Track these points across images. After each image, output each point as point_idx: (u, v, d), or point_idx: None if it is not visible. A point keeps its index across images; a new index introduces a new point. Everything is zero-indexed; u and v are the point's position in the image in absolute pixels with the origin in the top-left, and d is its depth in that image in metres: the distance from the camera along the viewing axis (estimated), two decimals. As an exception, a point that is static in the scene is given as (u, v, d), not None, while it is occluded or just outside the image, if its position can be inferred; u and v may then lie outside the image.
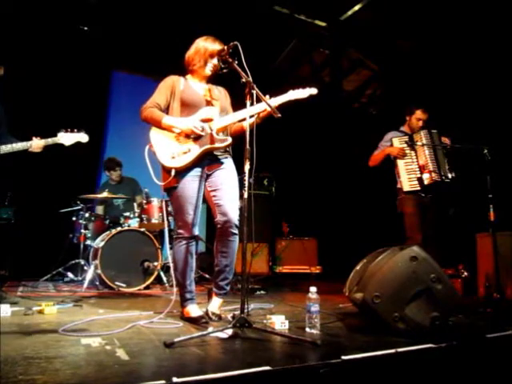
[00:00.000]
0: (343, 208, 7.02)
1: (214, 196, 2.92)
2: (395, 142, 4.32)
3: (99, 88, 6.78)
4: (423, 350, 2.13)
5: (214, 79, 3.08)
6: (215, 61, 2.93)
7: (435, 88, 5.69)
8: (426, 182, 4.14)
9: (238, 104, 2.99)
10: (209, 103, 2.96)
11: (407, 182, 4.23)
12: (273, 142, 6.33)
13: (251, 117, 2.73)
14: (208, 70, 2.96)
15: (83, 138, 3.79)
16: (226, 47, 2.80)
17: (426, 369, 2.07)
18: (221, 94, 3.09)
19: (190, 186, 2.85)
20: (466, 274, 4.72)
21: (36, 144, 3.56)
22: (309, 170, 7.43)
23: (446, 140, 4.26)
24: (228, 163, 3.00)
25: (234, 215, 2.84)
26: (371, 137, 4.61)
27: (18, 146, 3.53)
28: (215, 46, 2.91)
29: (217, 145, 2.85)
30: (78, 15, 6.02)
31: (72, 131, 3.72)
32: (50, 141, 3.63)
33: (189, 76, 3.05)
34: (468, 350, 2.29)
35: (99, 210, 5.72)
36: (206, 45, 2.94)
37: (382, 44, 6.55)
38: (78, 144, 4.04)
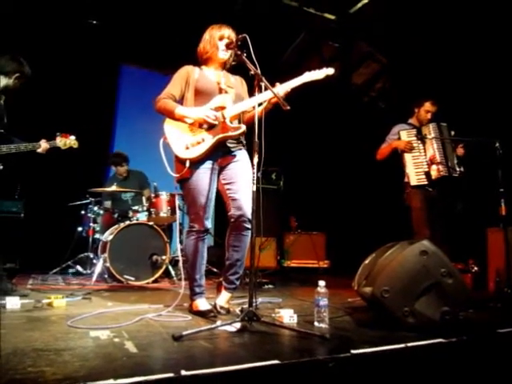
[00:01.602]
0: (351, 202, 6.99)
1: (229, 189, 2.89)
2: (403, 135, 4.28)
3: (108, 82, 6.78)
4: (433, 344, 2.11)
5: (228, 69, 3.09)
6: (226, 41, 2.91)
7: (445, 81, 5.62)
8: (433, 177, 4.10)
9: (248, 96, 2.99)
10: (223, 91, 2.93)
11: (414, 176, 4.19)
12: (281, 136, 6.30)
13: (260, 105, 2.71)
14: (222, 54, 2.93)
15: (74, 144, 4.02)
16: (234, 39, 2.80)
17: (436, 364, 2.06)
18: (236, 82, 3.07)
19: (203, 178, 2.83)
20: (476, 268, 4.67)
21: (43, 146, 3.77)
22: (317, 164, 7.40)
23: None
24: (242, 155, 2.96)
25: (249, 209, 2.77)
26: (380, 131, 4.57)
27: (30, 146, 3.69)
28: (223, 30, 2.92)
29: (230, 133, 2.81)
30: (87, 9, 6.01)
31: (65, 136, 3.95)
32: (52, 144, 3.86)
33: (203, 66, 3.03)
34: (479, 345, 2.27)
35: (107, 204, 5.72)
36: (212, 32, 2.94)
37: (392, 37, 6.49)
38: (87, 137, 4.11)
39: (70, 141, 3.96)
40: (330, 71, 2.86)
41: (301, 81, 2.81)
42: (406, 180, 4.30)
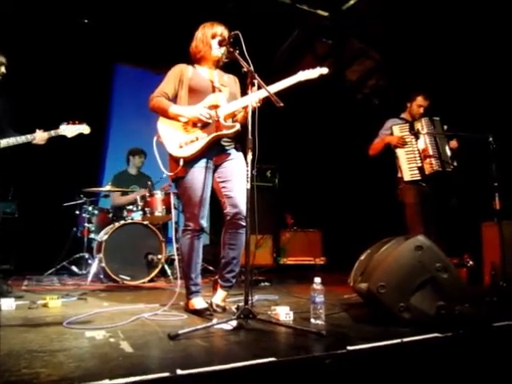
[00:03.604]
0: (347, 199, 6.99)
1: (224, 187, 2.89)
2: (395, 130, 4.27)
3: (102, 81, 6.74)
4: (429, 339, 2.11)
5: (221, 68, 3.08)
6: (219, 39, 2.90)
7: (439, 76, 5.63)
8: (426, 172, 4.10)
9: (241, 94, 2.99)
10: (217, 89, 2.93)
11: (408, 171, 4.19)
12: (275, 134, 6.30)
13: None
14: (216, 51, 2.93)
15: (85, 129, 3.81)
16: (227, 36, 2.79)
17: (432, 358, 2.06)
18: (230, 80, 3.06)
19: (198, 177, 2.82)
20: (471, 263, 4.68)
21: (40, 136, 3.58)
22: (312, 161, 7.39)
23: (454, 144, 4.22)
24: (237, 154, 2.97)
25: (244, 207, 2.74)
26: (374, 127, 4.57)
27: (22, 138, 3.54)
28: (215, 28, 2.92)
29: (225, 131, 2.81)
30: (80, 8, 5.98)
31: (74, 123, 3.75)
32: (52, 133, 3.66)
33: (197, 65, 3.02)
34: (474, 339, 2.27)
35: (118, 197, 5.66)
36: (205, 30, 2.94)
37: (385, 33, 6.49)
38: (81, 137, 4.05)
39: (79, 127, 3.75)
40: (324, 70, 2.88)
41: (295, 80, 2.83)
42: (399, 175, 4.30)
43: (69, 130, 3.71)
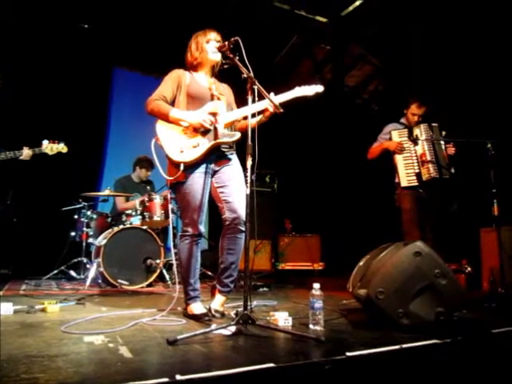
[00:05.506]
0: (346, 204, 7.00)
1: (222, 193, 2.89)
2: (394, 135, 4.27)
3: (101, 85, 6.76)
4: (428, 345, 2.11)
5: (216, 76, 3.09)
6: (213, 44, 2.91)
7: (438, 81, 5.65)
8: (424, 178, 4.10)
9: (240, 101, 2.99)
10: (215, 97, 2.93)
11: (405, 177, 4.19)
12: (275, 139, 6.30)
13: (254, 115, 2.72)
14: (212, 55, 2.92)
15: (63, 148, 4.19)
16: (226, 42, 2.79)
17: (431, 365, 2.06)
18: (225, 90, 3.09)
19: (197, 182, 2.82)
20: (469, 269, 4.68)
21: (26, 153, 3.91)
22: (311, 166, 7.41)
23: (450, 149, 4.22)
24: (235, 159, 2.98)
25: (243, 212, 2.74)
26: (373, 133, 4.58)
27: (11, 154, 3.84)
28: (208, 34, 2.94)
29: (226, 139, 2.82)
30: (80, 13, 6.00)
31: (54, 142, 4.12)
32: (36, 150, 4.01)
33: (193, 72, 3.02)
34: (473, 346, 2.27)
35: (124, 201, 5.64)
36: (198, 38, 2.96)
37: (384, 39, 6.52)
38: (79, 141, 4.12)
39: (58, 146, 4.08)
40: (320, 88, 2.93)
41: (291, 95, 2.88)
42: (396, 180, 4.30)
43: (49, 148, 4.06)
